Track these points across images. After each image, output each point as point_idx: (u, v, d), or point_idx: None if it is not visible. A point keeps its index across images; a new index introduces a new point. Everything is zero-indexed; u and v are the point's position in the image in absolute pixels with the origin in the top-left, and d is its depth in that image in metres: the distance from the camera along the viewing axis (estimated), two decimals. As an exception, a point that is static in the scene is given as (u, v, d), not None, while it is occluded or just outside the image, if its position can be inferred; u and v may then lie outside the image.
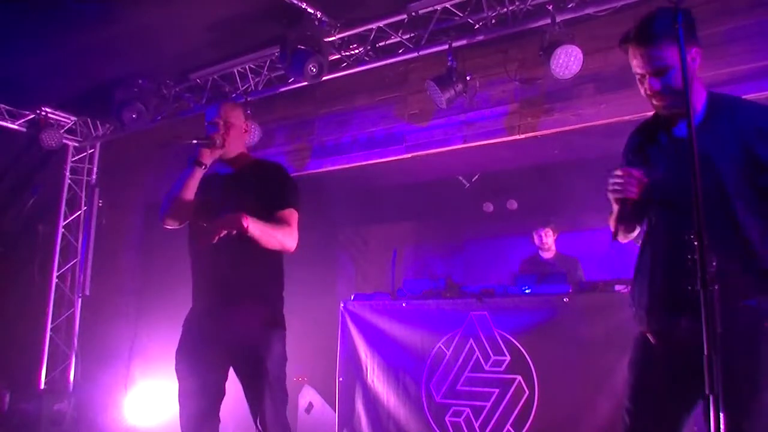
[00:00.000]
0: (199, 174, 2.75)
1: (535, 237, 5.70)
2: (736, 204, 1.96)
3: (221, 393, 2.77)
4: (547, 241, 5.64)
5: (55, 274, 7.20)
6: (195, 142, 2.78)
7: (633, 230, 2.26)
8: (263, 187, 2.79)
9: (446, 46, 4.88)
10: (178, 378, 2.77)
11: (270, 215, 2.68)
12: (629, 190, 2.03)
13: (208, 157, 2.78)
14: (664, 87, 2.02)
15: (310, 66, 4.92)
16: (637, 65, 2.07)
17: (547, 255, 5.68)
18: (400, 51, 5.19)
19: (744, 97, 4.15)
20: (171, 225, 2.81)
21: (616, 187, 2.05)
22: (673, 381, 2.00)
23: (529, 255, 5.84)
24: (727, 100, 2.12)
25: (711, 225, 1.64)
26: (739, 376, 1.79)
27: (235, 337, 2.70)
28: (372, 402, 4.62)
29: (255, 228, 2.52)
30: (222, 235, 2.46)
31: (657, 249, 2.11)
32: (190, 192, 2.74)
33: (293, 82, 5.56)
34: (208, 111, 2.93)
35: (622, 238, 2.25)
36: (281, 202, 2.75)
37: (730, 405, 1.54)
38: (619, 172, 2.05)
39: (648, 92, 2.08)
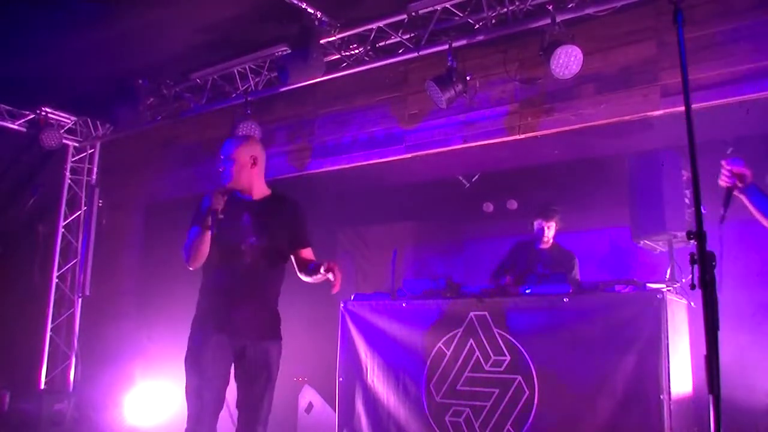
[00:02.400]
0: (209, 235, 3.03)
1: (536, 226, 5.28)
2: None
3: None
4: (548, 234, 5.25)
5: (55, 274, 7.20)
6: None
7: None
8: (290, 223, 3.26)
9: (446, 46, 4.87)
10: (196, 372, 3.01)
11: (293, 250, 3.25)
12: (725, 179, 2.50)
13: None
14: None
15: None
16: None
17: (544, 246, 5.31)
18: (400, 51, 5.18)
19: (744, 97, 4.19)
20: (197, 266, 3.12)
21: (722, 176, 2.50)
22: None
23: (525, 240, 5.44)
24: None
25: None
26: None
27: (251, 342, 3.08)
28: (372, 402, 4.61)
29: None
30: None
31: None
32: (208, 245, 3.05)
33: (293, 82, 5.55)
34: (223, 147, 3.25)
35: None
36: (306, 242, 3.30)
37: None
38: (724, 164, 2.49)
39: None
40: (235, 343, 3.06)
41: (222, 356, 3.03)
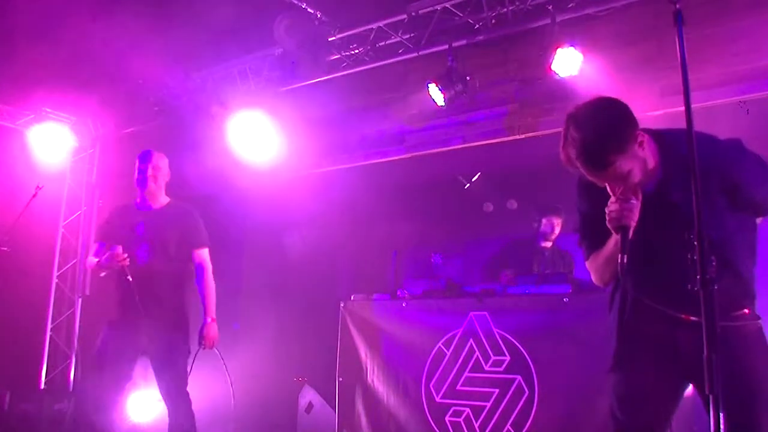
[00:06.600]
0: None
1: (545, 223, 5.18)
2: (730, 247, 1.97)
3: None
4: (556, 230, 5.18)
5: (55, 274, 7.19)
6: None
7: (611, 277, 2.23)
8: (183, 227, 3.83)
9: (446, 46, 4.88)
10: None
11: (188, 252, 3.83)
12: (630, 216, 2.01)
13: None
14: (636, 182, 2.05)
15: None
16: (601, 181, 2.13)
17: (546, 245, 5.26)
18: (400, 51, 5.19)
19: (744, 97, 4.20)
20: None
21: (616, 215, 2.03)
22: None
23: (522, 239, 5.39)
24: (673, 136, 2.16)
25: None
26: (738, 377, 1.80)
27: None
28: (372, 402, 4.61)
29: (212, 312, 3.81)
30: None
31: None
32: None
33: (298, 81, 5.55)
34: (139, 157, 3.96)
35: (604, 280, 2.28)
36: (200, 243, 3.87)
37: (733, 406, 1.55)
38: (614, 201, 2.04)
39: (622, 196, 2.06)
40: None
41: None
